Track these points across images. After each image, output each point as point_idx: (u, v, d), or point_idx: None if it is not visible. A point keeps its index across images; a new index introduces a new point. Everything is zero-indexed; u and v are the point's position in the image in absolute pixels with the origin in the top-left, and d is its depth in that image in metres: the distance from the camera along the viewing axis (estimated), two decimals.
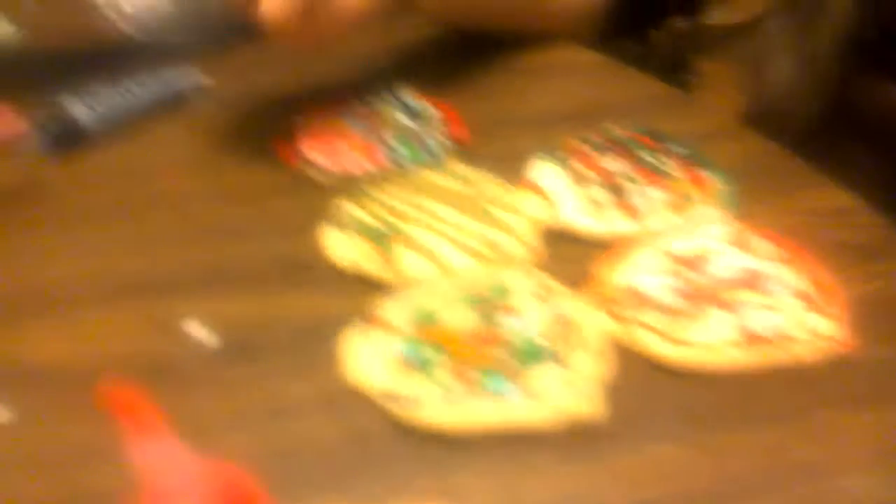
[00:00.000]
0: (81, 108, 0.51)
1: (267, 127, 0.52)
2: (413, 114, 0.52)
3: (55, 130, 0.50)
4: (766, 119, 0.52)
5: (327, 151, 0.50)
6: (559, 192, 0.46)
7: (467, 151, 0.50)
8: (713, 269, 0.42)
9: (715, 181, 0.47)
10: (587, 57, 0.60)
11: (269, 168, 0.50)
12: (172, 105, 0.54)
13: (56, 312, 0.41)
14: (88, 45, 0.60)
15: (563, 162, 0.48)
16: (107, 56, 0.58)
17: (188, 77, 0.56)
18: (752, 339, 0.38)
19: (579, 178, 0.47)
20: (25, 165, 0.49)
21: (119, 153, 0.51)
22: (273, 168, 0.50)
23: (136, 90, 0.53)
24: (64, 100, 0.51)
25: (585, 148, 0.49)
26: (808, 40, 0.54)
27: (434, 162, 0.49)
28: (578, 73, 0.59)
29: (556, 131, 0.50)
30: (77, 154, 0.50)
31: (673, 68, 0.73)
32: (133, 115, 0.53)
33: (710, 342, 0.38)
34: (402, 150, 0.50)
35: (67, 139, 0.50)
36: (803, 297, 0.40)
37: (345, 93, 0.54)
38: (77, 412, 0.36)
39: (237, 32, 0.61)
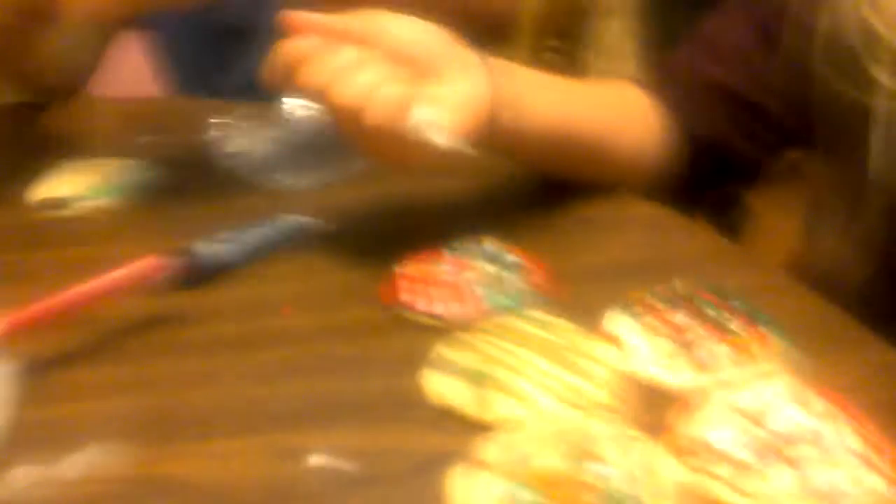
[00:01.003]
0: (210, 248, 0.58)
1: (370, 269, 0.59)
2: (499, 262, 0.59)
3: (188, 267, 0.57)
4: (816, 280, 0.58)
5: (423, 295, 0.56)
6: (634, 343, 0.52)
7: (549, 300, 0.56)
8: (775, 424, 0.47)
9: (774, 337, 0.52)
10: (652, 209, 0.67)
11: (373, 308, 0.56)
12: (287, 245, 0.61)
13: (190, 435, 0.47)
14: (211, 188, 0.68)
15: (635, 314, 0.53)
16: (228, 199, 0.66)
17: (300, 219, 0.63)
18: (814, 494, 0.43)
19: (652, 331, 0.52)
20: (164, 298, 0.55)
21: (244, 289, 0.58)
22: (376, 308, 0.56)
23: (256, 231, 0.61)
24: (195, 240, 0.58)
25: (656, 301, 0.55)
26: (854, 216, 0.60)
27: (519, 309, 0.55)
28: (644, 225, 0.66)
29: (627, 283, 0.56)
30: (207, 289, 0.57)
31: (726, 210, 0.79)
32: (254, 254, 0.60)
33: (774, 495, 0.43)
34: (494, 299, 0.56)
35: (199, 276, 0.57)
36: (859, 455, 0.45)
37: (437, 239, 0.60)
38: None
39: (341, 167, 0.69)
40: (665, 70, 0.71)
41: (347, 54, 0.55)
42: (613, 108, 0.68)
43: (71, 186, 0.68)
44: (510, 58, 0.62)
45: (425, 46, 0.57)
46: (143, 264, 0.54)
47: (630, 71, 1.27)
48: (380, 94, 0.53)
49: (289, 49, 0.56)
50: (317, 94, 0.55)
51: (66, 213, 0.67)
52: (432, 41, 0.58)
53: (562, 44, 1.19)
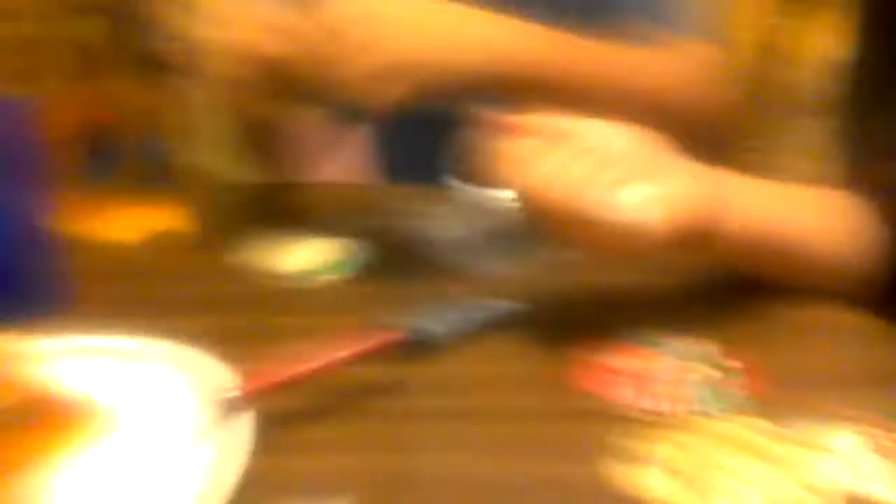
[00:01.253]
0: (431, 324, 0.63)
1: (561, 353, 0.61)
2: (710, 362, 0.59)
3: (412, 341, 0.62)
4: None
5: (613, 385, 0.57)
6: (859, 460, 0.51)
7: (766, 406, 0.56)
8: None
9: None
10: (864, 318, 0.65)
11: (562, 392, 0.58)
12: (494, 325, 0.65)
13: (415, 499, 0.50)
14: (418, 267, 0.74)
15: (862, 430, 0.52)
16: (434, 278, 0.71)
17: (503, 302, 0.67)
18: None
19: (879, 449, 0.51)
20: (389, 368, 0.60)
21: (459, 363, 0.62)
22: (566, 392, 0.58)
23: (467, 311, 0.65)
24: (417, 316, 0.64)
25: (882, 418, 0.53)
26: None
27: (736, 414, 0.55)
28: (858, 334, 0.65)
29: (841, 394, 0.56)
30: (429, 361, 0.62)
31: None
32: (466, 332, 0.64)
33: None
34: (702, 397, 0.56)
35: (421, 348, 0.62)
36: None
37: (627, 330, 0.62)
38: None
39: (538, 253, 0.72)
40: (866, 174, 0.70)
41: (562, 154, 0.58)
42: (821, 214, 0.68)
43: (312, 261, 0.76)
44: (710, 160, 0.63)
45: (632, 151, 0.59)
46: (377, 336, 0.59)
47: (828, 172, 1.25)
48: (575, 174, 0.56)
49: (507, 147, 0.59)
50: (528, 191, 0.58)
51: (310, 285, 0.75)
52: (638, 146, 0.60)
53: (757, 144, 1.19)
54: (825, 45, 1.22)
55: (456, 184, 0.77)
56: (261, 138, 0.94)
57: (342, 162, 1.08)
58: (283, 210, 0.86)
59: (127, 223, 0.85)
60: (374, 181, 1.10)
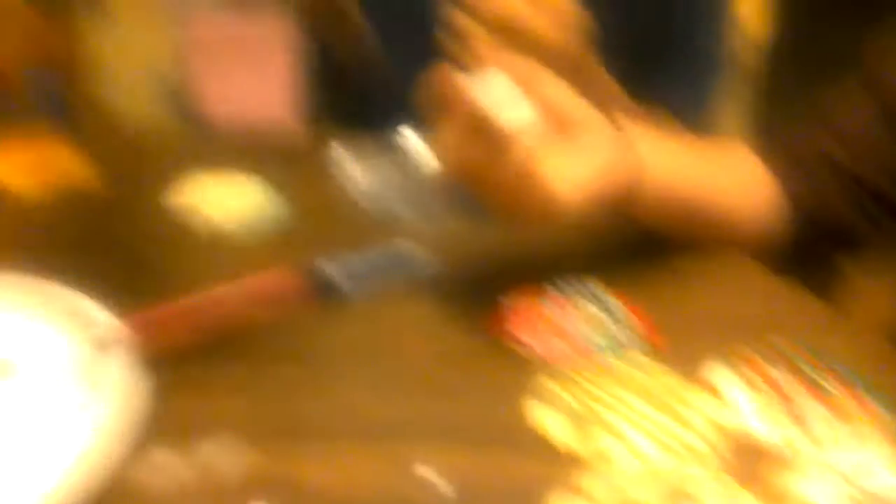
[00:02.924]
0: (336, 271, 0.63)
1: (479, 301, 0.62)
2: (601, 304, 0.62)
3: (313, 285, 0.61)
4: None
5: (530, 332, 0.59)
6: (732, 395, 0.54)
7: (648, 346, 0.59)
8: (868, 484, 0.48)
9: (870, 401, 0.53)
10: (750, 268, 0.68)
11: (481, 338, 0.59)
12: (404, 273, 0.66)
13: (306, 438, 0.51)
14: (334, 215, 0.73)
15: (735, 367, 0.55)
16: (349, 225, 0.71)
17: (415, 248, 0.67)
18: None
19: (750, 385, 0.54)
20: (290, 312, 0.60)
21: (364, 311, 0.62)
22: (484, 338, 0.59)
23: (375, 257, 0.65)
24: (323, 264, 0.63)
25: (754, 356, 0.56)
26: None
27: (622, 354, 0.58)
28: (743, 282, 0.67)
29: (724, 336, 0.58)
30: (329, 306, 0.61)
31: (819, 274, 0.79)
32: (372, 278, 0.64)
33: None
34: (596, 340, 0.58)
35: (327, 295, 0.62)
36: None
37: (541, 278, 0.63)
38: None
39: (459, 209, 0.73)
40: (780, 142, 0.72)
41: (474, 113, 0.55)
42: (730, 174, 0.69)
43: (222, 205, 0.74)
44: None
45: (577, 106, 0.58)
46: (273, 277, 0.58)
47: (736, 132, 1.29)
48: (509, 162, 0.54)
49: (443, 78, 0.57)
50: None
51: (216, 230, 0.72)
52: (581, 104, 0.59)
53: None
54: (748, 19, 1.25)
55: (391, 134, 0.77)
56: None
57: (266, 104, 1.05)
58: (208, 155, 0.84)
59: (35, 169, 0.82)
60: (297, 120, 1.08)
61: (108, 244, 0.71)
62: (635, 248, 0.69)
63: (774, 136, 0.74)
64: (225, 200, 0.75)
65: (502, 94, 0.56)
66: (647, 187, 0.61)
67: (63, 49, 1.05)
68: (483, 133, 0.56)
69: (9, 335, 0.54)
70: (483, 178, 0.56)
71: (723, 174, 0.69)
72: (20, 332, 0.55)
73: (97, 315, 0.55)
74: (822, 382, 0.55)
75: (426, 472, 0.48)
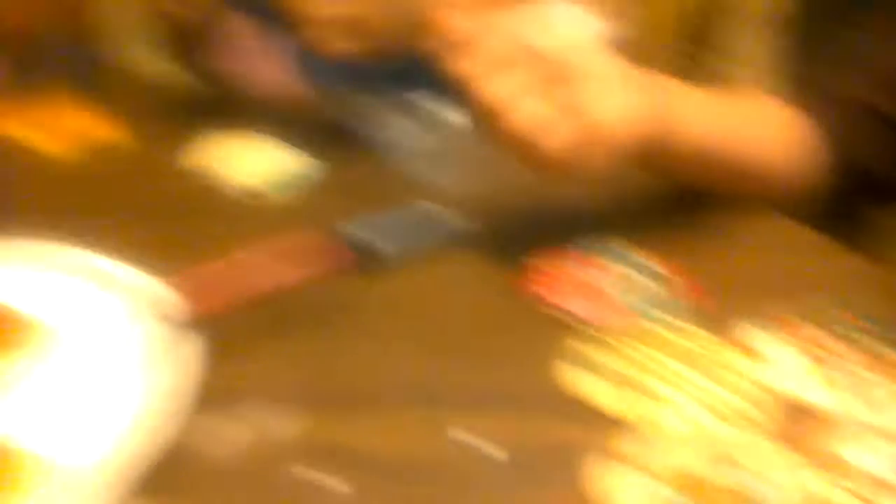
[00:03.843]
0: (370, 233, 0.63)
1: (512, 262, 0.62)
2: (631, 264, 0.61)
3: (353, 250, 0.61)
4: None
5: (563, 294, 0.59)
6: (774, 357, 0.53)
7: (686, 307, 0.58)
8: None
9: None
10: (791, 228, 0.67)
11: (515, 300, 0.59)
12: (436, 235, 0.66)
13: (367, 408, 0.52)
14: (365, 179, 0.73)
15: (775, 329, 0.55)
16: (381, 189, 0.71)
17: (446, 211, 0.67)
18: None
19: (792, 347, 0.54)
20: (334, 277, 0.60)
21: (406, 279, 0.62)
22: (519, 300, 0.59)
23: (407, 220, 0.66)
24: (357, 226, 0.63)
25: (795, 318, 0.56)
26: None
27: (656, 313, 0.58)
28: (783, 242, 0.67)
29: (765, 298, 0.58)
30: (381, 277, 0.62)
31: (855, 227, 0.78)
32: (419, 248, 0.64)
33: None
34: (632, 303, 0.58)
35: (373, 265, 0.62)
36: None
37: (569, 238, 0.63)
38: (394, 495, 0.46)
39: (492, 169, 0.72)
40: (814, 88, 0.71)
41: (502, 46, 0.55)
42: (761, 124, 0.69)
43: (253, 170, 0.74)
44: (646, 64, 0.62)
45: (584, 53, 0.57)
46: (307, 240, 0.58)
47: (764, 81, 1.27)
48: (523, 105, 0.54)
49: (449, 26, 0.56)
50: (464, 84, 0.56)
51: (250, 195, 0.72)
52: (591, 49, 0.58)
53: (696, 50, 1.20)
54: None
55: (414, 97, 0.76)
56: (190, 38, 0.91)
57: (272, 70, 1.05)
58: (230, 116, 0.84)
59: (60, 131, 0.82)
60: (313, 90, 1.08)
61: (138, 207, 0.71)
62: (669, 207, 0.69)
63: (809, 82, 0.72)
64: (252, 162, 0.75)
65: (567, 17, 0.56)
66: (676, 136, 0.60)
67: (82, 10, 1.04)
68: (521, 67, 0.54)
69: (56, 302, 0.55)
70: (517, 120, 0.54)
71: (754, 125, 0.68)
72: (68, 299, 0.55)
73: (140, 280, 0.55)
74: (865, 343, 0.54)
75: (465, 436, 0.49)
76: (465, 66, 0.55)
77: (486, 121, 0.55)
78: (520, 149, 0.55)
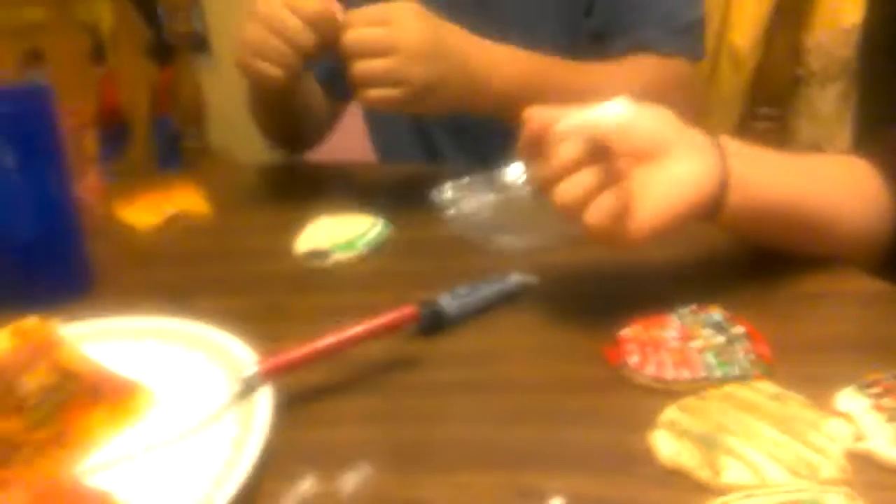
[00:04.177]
0: (449, 301, 0.64)
1: (591, 327, 0.62)
2: (725, 331, 0.59)
3: (431, 317, 0.63)
4: None
5: (651, 359, 0.58)
6: (867, 422, 0.51)
7: (771, 370, 0.57)
8: None
9: None
10: (875, 285, 0.66)
11: (598, 366, 0.58)
12: (509, 300, 0.66)
13: (436, 465, 0.51)
14: (440, 245, 0.74)
15: (869, 393, 0.53)
16: (456, 256, 0.71)
17: (524, 277, 0.67)
18: None
19: (885, 412, 0.51)
20: (408, 343, 0.61)
21: (473, 338, 0.63)
22: (599, 365, 0.59)
23: (486, 287, 0.66)
24: (439, 296, 0.64)
25: (886, 379, 0.54)
26: None
27: (743, 378, 0.56)
28: (868, 301, 0.65)
29: (853, 360, 0.56)
30: (444, 337, 0.62)
31: None
32: (481, 307, 0.65)
33: None
34: (715, 364, 0.57)
35: (437, 324, 0.63)
36: None
37: (659, 305, 0.62)
38: None
39: (561, 231, 0.72)
40: (883, 143, 0.70)
41: (569, 150, 0.58)
42: (840, 183, 0.67)
43: (326, 240, 0.76)
44: (721, 127, 0.63)
45: (656, 131, 0.60)
46: (395, 314, 0.59)
47: (844, 139, 1.25)
48: (598, 201, 0.58)
49: (530, 133, 0.60)
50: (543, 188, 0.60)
51: (323, 264, 0.75)
52: (662, 124, 0.61)
53: (774, 111, 1.19)
54: (840, 11, 1.21)
55: (503, 168, 0.78)
56: (276, 113, 0.94)
57: (338, 138, 1.08)
58: (299, 188, 0.86)
59: (145, 207, 0.86)
60: (372, 158, 1.10)
61: (234, 282, 0.74)
62: (751, 272, 0.68)
63: (878, 136, 0.71)
64: (338, 235, 0.77)
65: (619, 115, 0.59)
66: (735, 195, 0.60)
67: (181, 97, 1.09)
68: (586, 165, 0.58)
69: (160, 371, 0.57)
70: (592, 217, 0.58)
71: (830, 183, 0.67)
72: (171, 368, 0.58)
73: (240, 352, 0.57)
74: None
75: (549, 499, 0.48)
76: (543, 172, 0.60)
77: (568, 219, 0.59)
78: (603, 239, 0.59)
